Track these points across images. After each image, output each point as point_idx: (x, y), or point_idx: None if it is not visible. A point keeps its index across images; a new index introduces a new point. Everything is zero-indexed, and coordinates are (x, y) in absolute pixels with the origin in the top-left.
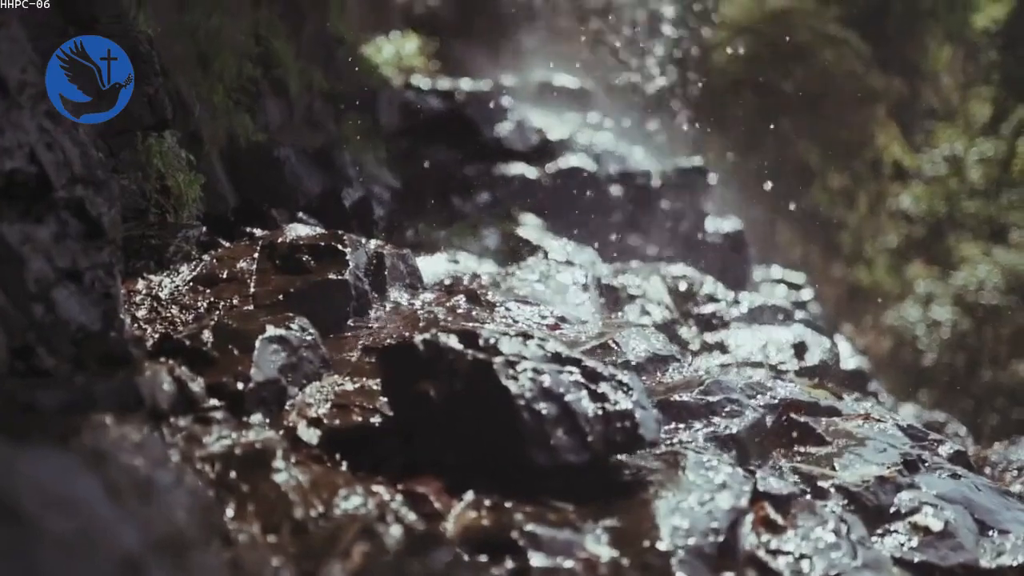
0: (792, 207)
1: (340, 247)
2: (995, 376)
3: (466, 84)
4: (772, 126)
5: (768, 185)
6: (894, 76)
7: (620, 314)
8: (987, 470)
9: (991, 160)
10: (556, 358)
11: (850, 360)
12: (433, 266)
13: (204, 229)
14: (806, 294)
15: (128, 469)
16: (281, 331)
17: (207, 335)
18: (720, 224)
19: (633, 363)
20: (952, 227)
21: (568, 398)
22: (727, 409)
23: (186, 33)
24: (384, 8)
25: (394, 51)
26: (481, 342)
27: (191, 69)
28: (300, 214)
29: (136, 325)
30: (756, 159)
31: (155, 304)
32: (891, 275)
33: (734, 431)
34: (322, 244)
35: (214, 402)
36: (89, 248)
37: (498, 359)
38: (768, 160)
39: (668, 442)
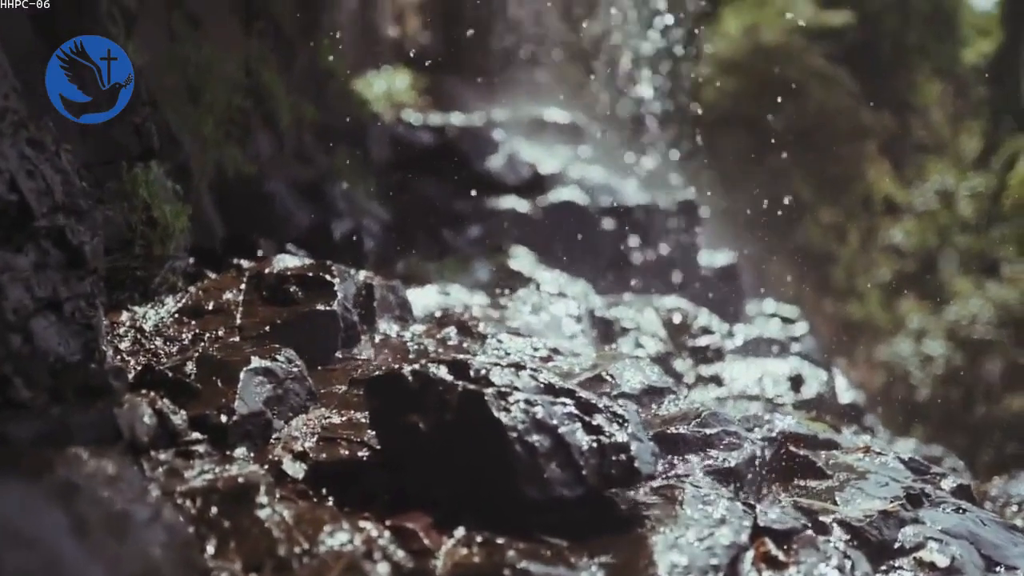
0: (784, 241)
1: (328, 278)
2: (989, 411)
3: (457, 119)
4: (763, 161)
5: (760, 219)
6: (884, 111)
7: (614, 346)
8: (987, 504)
9: (982, 194)
10: (549, 389)
11: (846, 394)
12: (423, 298)
13: (191, 260)
14: (800, 328)
15: (102, 504)
16: (267, 363)
17: (191, 366)
18: (713, 257)
19: (628, 395)
20: (944, 261)
21: (562, 430)
22: (725, 442)
23: (176, 65)
24: (375, 43)
25: (385, 86)
26: (472, 373)
27: (181, 100)
28: (289, 246)
29: (119, 357)
30: (748, 194)
31: (139, 336)
32: (883, 309)
33: (732, 464)
34: (310, 275)
35: (196, 435)
36: (70, 278)
37: (489, 390)
38: (760, 195)
39: (665, 475)
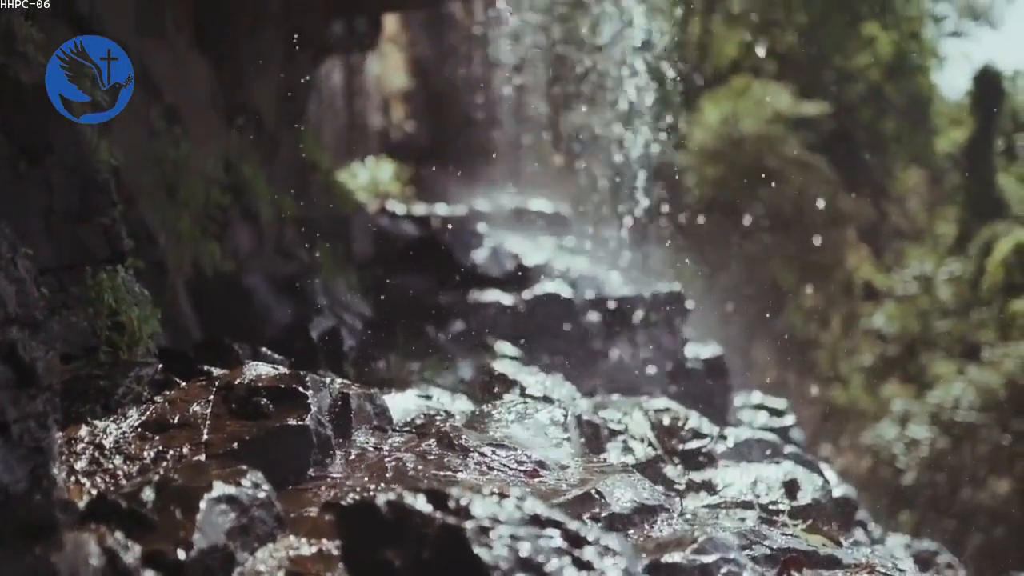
0: (767, 327)
1: (301, 389)
2: (975, 495)
3: (441, 209)
4: (745, 248)
5: (743, 306)
6: (862, 198)
7: (603, 456)
8: None
9: (960, 279)
10: (535, 520)
11: (837, 488)
12: (404, 403)
13: (159, 367)
14: (788, 419)
15: None
16: (231, 489)
17: (148, 493)
18: (700, 350)
19: (619, 515)
20: (925, 346)
21: (549, 568)
22: (723, 570)
23: (153, 161)
24: (359, 134)
25: (369, 177)
26: (451, 503)
27: (158, 197)
28: (264, 349)
29: (73, 478)
30: (730, 281)
31: (97, 454)
32: (867, 394)
33: None
34: (282, 386)
35: (150, 574)
36: (20, 397)
37: (470, 524)
38: (742, 282)
39: None
